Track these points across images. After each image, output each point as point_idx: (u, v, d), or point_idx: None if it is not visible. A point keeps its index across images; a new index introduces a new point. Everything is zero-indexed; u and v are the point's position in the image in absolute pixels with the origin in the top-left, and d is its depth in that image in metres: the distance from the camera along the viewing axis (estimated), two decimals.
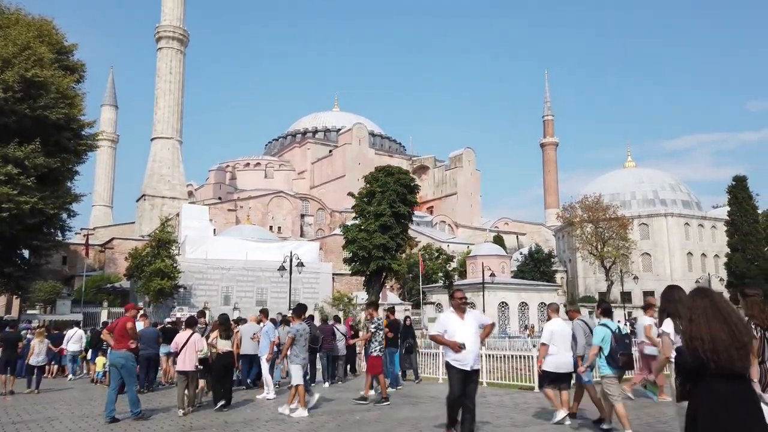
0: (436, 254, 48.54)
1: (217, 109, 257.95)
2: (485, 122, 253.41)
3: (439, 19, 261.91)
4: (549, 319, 10.05)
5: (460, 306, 7.24)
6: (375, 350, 12.21)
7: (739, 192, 59.95)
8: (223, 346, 12.00)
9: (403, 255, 38.85)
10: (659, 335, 5.66)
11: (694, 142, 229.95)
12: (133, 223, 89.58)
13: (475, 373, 7.26)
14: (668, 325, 5.50)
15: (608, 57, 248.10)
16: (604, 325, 8.57)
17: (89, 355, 19.24)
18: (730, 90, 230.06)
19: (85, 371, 20.02)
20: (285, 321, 15.28)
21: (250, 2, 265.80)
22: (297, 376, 10.65)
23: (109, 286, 52.24)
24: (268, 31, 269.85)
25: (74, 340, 19.39)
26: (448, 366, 7.24)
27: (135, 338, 11.09)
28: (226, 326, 12.38)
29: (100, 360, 17.35)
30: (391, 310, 16.26)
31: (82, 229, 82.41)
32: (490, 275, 41.64)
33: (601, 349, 8.40)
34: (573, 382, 9.63)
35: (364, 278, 36.33)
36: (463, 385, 6.92)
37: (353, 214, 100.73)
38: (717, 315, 3.81)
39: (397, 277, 41.73)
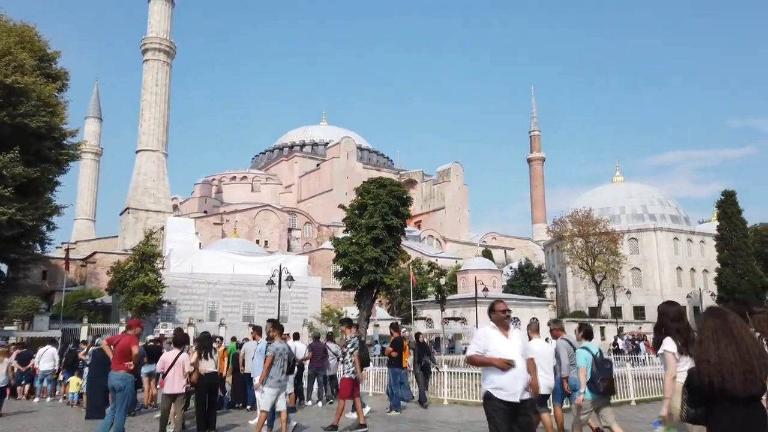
0: (428, 268, 47.64)
1: (204, 123, 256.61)
2: (472, 137, 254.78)
3: (427, 35, 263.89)
4: (530, 339, 9.51)
5: (503, 321, 5.80)
6: (348, 372, 11.16)
7: (728, 207, 59.98)
8: (206, 366, 11.00)
9: (396, 269, 37.85)
10: (660, 354, 5.37)
11: (676, 159, 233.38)
12: (116, 237, 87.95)
13: (525, 403, 5.63)
14: (669, 343, 5.27)
15: (594, 74, 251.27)
16: (585, 348, 8.29)
17: (62, 376, 17.99)
18: (712, 107, 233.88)
19: (58, 392, 18.71)
20: (296, 336, 14.33)
21: (238, 15, 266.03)
22: (266, 402, 9.50)
23: (90, 301, 50.65)
24: (255, 44, 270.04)
25: (46, 358, 18.08)
26: (487, 398, 5.61)
27: (135, 361, 10.06)
28: (205, 345, 11.33)
29: (74, 380, 16.18)
30: (395, 326, 15.30)
31: (63, 243, 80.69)
32: (483, 290, 40.85)
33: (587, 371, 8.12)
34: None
35: (354, 293, 35.30)
36: (510, 422, 5.44)
37: (341, 228, 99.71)
38: (728, 336, 3.74)
39: (386, 292, 40.71)
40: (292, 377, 14.19)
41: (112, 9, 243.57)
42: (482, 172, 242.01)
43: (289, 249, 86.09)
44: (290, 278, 32.49)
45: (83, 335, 32.95)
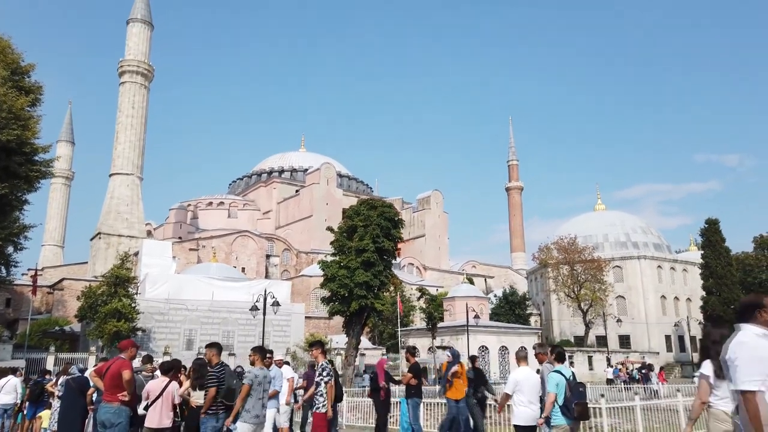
0: (419, 294, 46.11)
1: (180, 147, 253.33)
2: (451, 164, 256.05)
3: (405, 63, 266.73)
4: (518, 366, 9.21)
5: None
6: (320, 406, 9.49)
7: (711, 235, 60.06)
8: (198, 398, 9.42)
9: (387, 294, 36.26)
10: (697, 377, 5.29)
11: (643, 192, 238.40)
12: (86, 263, 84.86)
13: None
14: (706, 366, 5.12)
15: (570, 107, 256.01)
16: (557, 371, 8.11)
17: (25, 410, 15.94)
18: (678, 142, 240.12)
19: (19, 429, 16.57)
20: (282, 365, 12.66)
21: (217, 40, 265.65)
22: None
23: (58, 329, 47.79)
24: (233, 69, 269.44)
25: (6, 390, 15.97)
26: None
27: (129, 389, 8.38)
28: (201, 374, 9.70)
29: (46, 414, 14.29)
30: (412, 351, 13.80)
31: (29, 269, 77.58)
32: (474, 317, 39.42)
33: (555, 397, 7.93)
34: None
35: (342, 320, 33.57)
36: None
37: (320, 255, 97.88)
38: None
39: (377, 319, 38.96)
40: (289, 409, 12.59)
41: (85, 30, 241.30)
42: (461, 200, 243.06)
43: (267, 276, 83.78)
44: (276, 303, 30.71)
45: (49, 365, 30.50)
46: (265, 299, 31.18)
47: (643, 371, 32.88)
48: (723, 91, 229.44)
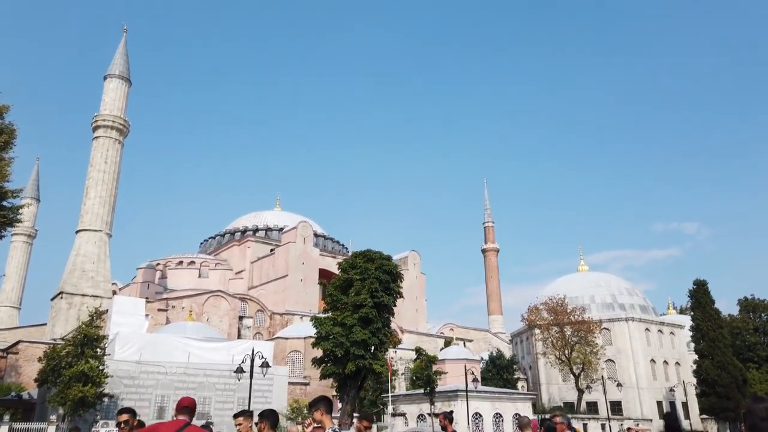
0: (417, 355, 43.24)
1: (149, 206, 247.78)
2: (426, 225, 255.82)
3: (379, 128, 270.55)
4: None
5: None
6: None
7: (701, 296, 59.24)
8: None
9: (386, 354, 33.46)
10: None
11: (609, 258, 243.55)
12: (44, 324, 79.59)
13: None
14: None
15: (541, 176, 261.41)
16: None
17: None
18: (639, 211, 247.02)
19: None
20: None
21: (190, 99, 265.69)
22: None
23: (13, 395, 43.22)
24: (207, 127, 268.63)
25: None
26: None
27: None
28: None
29: None
30: (449, 417, 11.50)
31: None
32: (473, 380, 36.80)
33: None
34: None
35: (336, 382, 30.66)
36: None
37: (296, 316, 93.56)
38: None
39: (374, 381, 35.89)
40: None
41: (53, 85, 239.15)
42: (436, 262, 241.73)
43: (239, 338, 79.61)
44: (266, 364, 27.81)
45: None
46: (252, 360, 28.30)
47: None
48: (685, 162, 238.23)
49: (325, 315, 30.86)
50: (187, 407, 6.79)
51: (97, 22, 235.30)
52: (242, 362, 29.14)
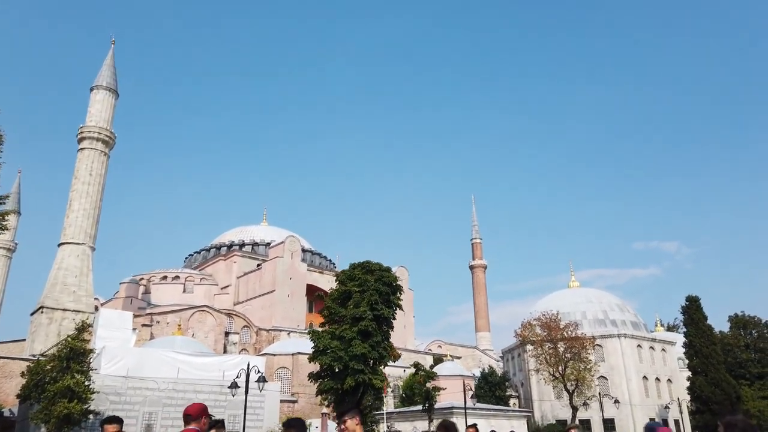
0: (414, 370, 42.27)
1: (132, 220, 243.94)
2: (412, 242, 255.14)
3: (365, 145, 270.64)
4: None
5: None
6: None
7: (693, 312, 59.06)
8: None
9: (384, 368, 32.51)
10: None
11: (592, 276, 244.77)
12: (23, 340, 77.32)
13: None
14: None
15: (529, 195, 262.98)
16: None
17: None
18: (620, 230, 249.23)
19: None
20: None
21: (176, 113, 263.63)
22: None
23: None
24: (194, 142, 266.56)
25: None
26: None
27: None
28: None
29: None
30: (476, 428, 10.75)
31: None
32: (472, 397, 35.95)
33: None
34: None
35: (333, 398, 29.63)
36: None
37: (283, 332, 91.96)
38: None
39: (374, 397, 34.74)
40: None
41: (36, 97, 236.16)
42: (422, 279, 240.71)
43: (225, 354, 77.97)
44: (262, 379, 26.76)
45: None
46: (248, 375, 27.23)
47: None
48: (665, 182, 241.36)
49: (323, 329, 29.91)
50: (189, 415, 6.04)
51: (82, 35, 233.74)
52: (237, 377, 28.07)
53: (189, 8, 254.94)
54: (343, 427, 6.61)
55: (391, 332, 30.99)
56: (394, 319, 31.79)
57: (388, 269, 31.53)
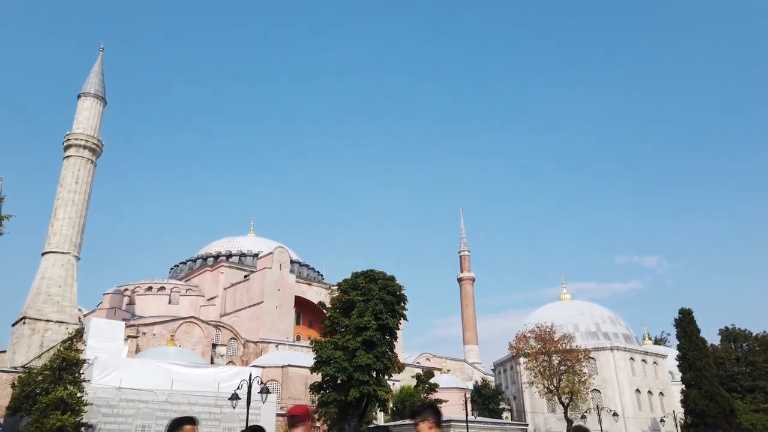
0: (416, 381, 41.58)
1: (117, 229, 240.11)
2: (399, 255, 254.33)
3: (352, 151, 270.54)
4: None
5: None
6: None
7: (686, 325, 59.18)
8: None
9: (389, 379, 31.88)
10: None
11: (574, 290, 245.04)
12: (4, 352, 75.26)
13: None
14: None
15: (514, 206, 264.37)
16: None
17: None
18: (602, 244, 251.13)
19: None
20: None
21: (163, 124, 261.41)
22: None
23: None
24: (180, 152, 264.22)
25: None
26: None
27: None
28: None
29: None
30: None
31: None
32: (473, 410, 35.38)
33: None
34: None
35: (335, 410, 28.94)
36: None
37: (271, 344, 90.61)
38: None
39: (380, 409, 33.96)
40: None
41: (19, 104, 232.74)
42: (411, 290, 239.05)
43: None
44: (266, 390, 26.02)
45: None
46: (249, 386, 26.46)
47: None
48: (646, 194, 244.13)
49: (326, 339, 29.27)
50: (295, 416, 5.52)
51: (70, 43, 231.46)
52: (238, 388, 27.28)
53: (177, 19, 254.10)
54: (416, 430, 6.04)
55: (395, 343, 30.38)
56: (398, 329, 31.23)
57: (393, 278, 31.01)
